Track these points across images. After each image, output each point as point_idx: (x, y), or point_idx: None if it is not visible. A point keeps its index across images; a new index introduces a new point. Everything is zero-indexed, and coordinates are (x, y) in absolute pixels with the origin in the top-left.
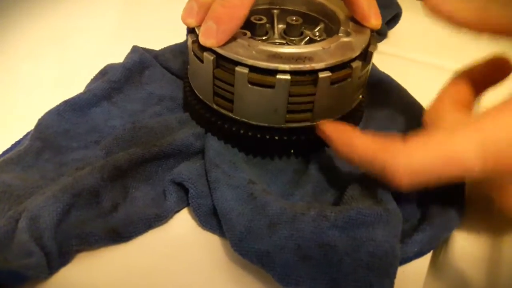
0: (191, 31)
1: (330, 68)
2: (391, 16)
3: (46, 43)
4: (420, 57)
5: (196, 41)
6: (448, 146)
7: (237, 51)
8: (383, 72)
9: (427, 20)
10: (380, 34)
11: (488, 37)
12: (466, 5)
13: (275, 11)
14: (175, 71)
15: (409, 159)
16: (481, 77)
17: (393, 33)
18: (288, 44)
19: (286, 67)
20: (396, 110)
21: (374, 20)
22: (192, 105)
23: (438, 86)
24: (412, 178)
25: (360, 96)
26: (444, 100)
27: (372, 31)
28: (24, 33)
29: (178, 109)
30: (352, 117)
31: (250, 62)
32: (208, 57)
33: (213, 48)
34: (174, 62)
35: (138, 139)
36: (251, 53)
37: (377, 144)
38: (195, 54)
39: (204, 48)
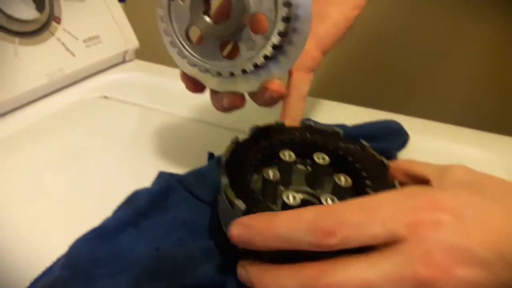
0: (225, 171)
1: None
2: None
3: (73, 166)
4: None
5: (229, 185)
6: None
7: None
8: None
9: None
10: (389, 158)
11: None
12: None
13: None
14: (197, 195)
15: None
16: None
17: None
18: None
19: None
20: None
21: (288, 121)
22: (218, 236)
23: None
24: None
25: None
26: None
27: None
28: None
29: (199, 234)
30: None
31: None
32: (239, 206)
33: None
34: (196, 186)
35: (162, 271)
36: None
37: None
38: (227, 198)
39: (237, 195)
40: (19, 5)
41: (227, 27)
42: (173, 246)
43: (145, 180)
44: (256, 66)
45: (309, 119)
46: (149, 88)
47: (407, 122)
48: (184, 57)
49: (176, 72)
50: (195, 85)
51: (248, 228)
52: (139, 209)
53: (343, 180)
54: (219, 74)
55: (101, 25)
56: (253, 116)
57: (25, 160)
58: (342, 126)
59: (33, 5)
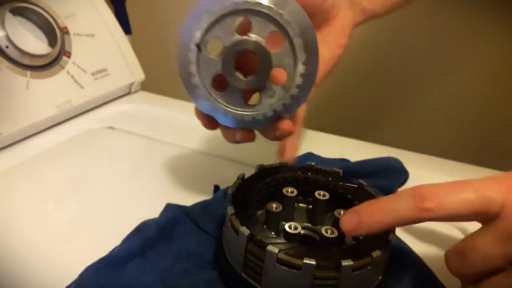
0: (231, 203)
1: (352, 257)
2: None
3: (80, 196)
4: None
5: (234, 214)
6: None
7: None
8: (401, 242)
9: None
10: None
11: None
12: None
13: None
14: (203, 227)
15: None
16: None
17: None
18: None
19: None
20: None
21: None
22: (222, 267)
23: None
24: None
25: (380, 277)
26: None
27: None
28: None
29: (205, 265)
30: None
31: (281, 246)
32: (243, 232)
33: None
34: (202, 218)
35: None
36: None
37: None
38: (232, 226)
39: (241, 223)
40: (32, 41)
41: (254, 81)
42: (178, 277)
43: (152, 211)
44: (275, 111)
45: (311, 153)
46: (155, 119)
47: (406, 156)
48: (208, 101)
49: (181, 104)
50: (210, 123)
51: (356, 212)
52: (146, 240)
53: (342, 214)
54: (242, 118)
55: (108, 59)
56: (258, 148)
57: (34, 188)
58: (344, 161)
59: (45, 41)
